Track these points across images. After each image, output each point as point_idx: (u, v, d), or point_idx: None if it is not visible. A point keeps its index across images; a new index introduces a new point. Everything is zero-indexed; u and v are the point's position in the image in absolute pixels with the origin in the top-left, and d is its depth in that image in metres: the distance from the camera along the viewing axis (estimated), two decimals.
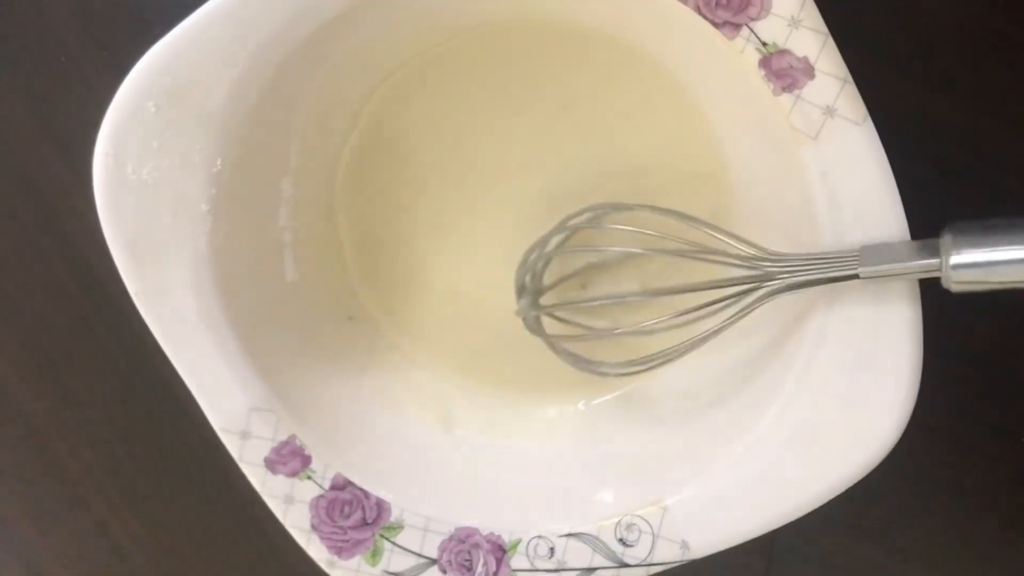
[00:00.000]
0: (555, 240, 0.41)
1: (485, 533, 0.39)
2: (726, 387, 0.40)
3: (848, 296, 0.35)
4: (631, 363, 0.39)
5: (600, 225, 0.40)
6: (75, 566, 0.52)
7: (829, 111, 0.34)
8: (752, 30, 0.34)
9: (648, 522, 0.38)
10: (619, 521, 0.38)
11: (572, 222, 0.40)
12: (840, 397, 0.36)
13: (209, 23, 0.35)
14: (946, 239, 0.32)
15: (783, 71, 0.34)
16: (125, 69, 0.35)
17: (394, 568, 0.39)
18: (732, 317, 0.36)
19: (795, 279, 0.35)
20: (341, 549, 0.39)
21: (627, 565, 0.38)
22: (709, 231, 0.37)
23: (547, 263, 0.42)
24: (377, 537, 0.39)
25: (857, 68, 0.34)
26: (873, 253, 0.34)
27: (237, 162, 0.37)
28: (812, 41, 0.33)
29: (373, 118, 0.42)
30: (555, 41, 0.40)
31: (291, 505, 0.39)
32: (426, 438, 0.42)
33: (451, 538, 0.39)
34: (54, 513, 0.51)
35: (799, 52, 0.33)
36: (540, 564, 0.39)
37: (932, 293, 0.34)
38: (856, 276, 0.34)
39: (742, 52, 0.34)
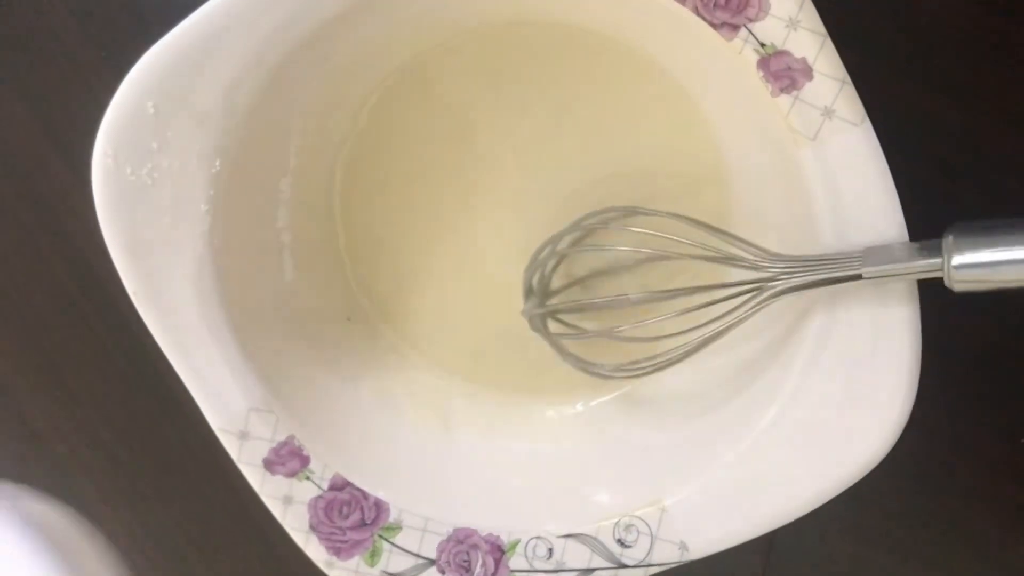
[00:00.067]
0: (568, 238, 0.41)
1: (484, 534, 0.39)
2: (726, 388, 0.40)
3: (848, 297, 0.35)
4: (634, 365, 0.39)
5: (610, 227, 0.40)
6: None
7: (827, 112, 0.34)
8: (750, 31, 0.34)
9: (647, 523, 0.38)
10: (617, 522, 0.38)
11: (586, 222, 0.40)
12: (839, 397, 0.36)
13: (209, 23, 0.35)
14: (948, 239, 0.33)
15: (781, 72, 0.34)
16: (125, 69, 0.35)
17: (393, 569, 0.39)
18: (736, 319, 0.36)
19: (798, 280, 0.35)
20: (340, 550, 0.39)
21: (625, 566, 0.38)
22: (725, 238, 0.37)
23: (558, 262, 0.42)
24: (376, 537, 0.39)
25: (856, 69, 0.34)
26: (875, 254, 0.34)
27: (236, 162, 0.37)
28: (810, 42, 0.33)
29: (373, 118, 0.42)
30: (555, 41, 0.40)
31: (290, 505, 0.39)
32: (425, 438, 0.42)
33: (450, 538, 0.39)
34: None
35: (797, 53, 0.33)
36: (538, 565, 0.39)
37: (932, 293, 0.35)
38: (859, 276, 0.34)
39: (740, 53, 0.34)
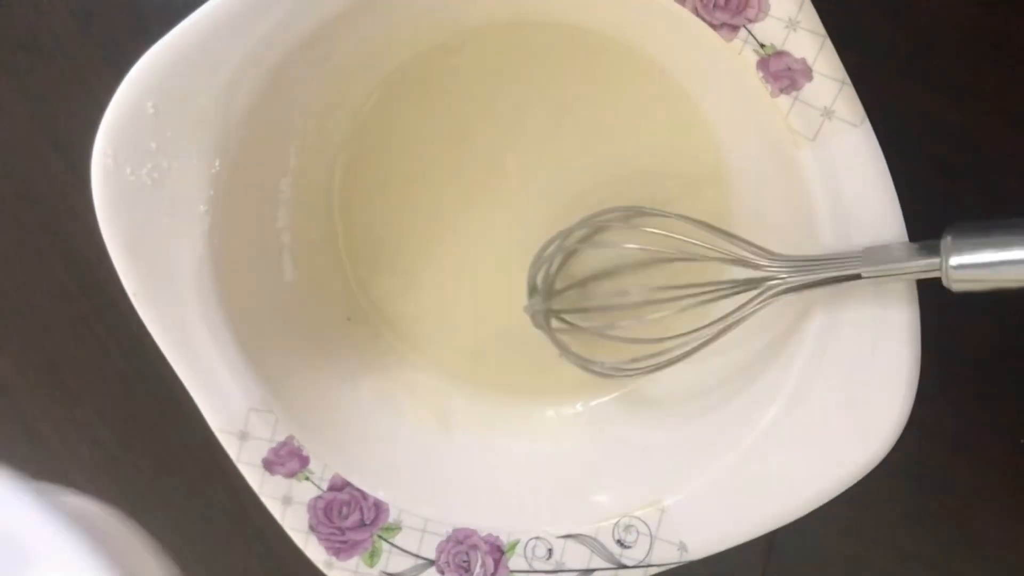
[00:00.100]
0: (575, 235, 0.41)
1: (483, 534, 0.39)
2: (725, 388, 0.40)
3: (847, 298, 0.35)
4: (634, 364, 0.39)
5: (617, 225, 0.40)
6: None
7: (827, 113, 0.34)
8: (750, 32, 0.34)
9: (646, 523, 0.38)
10: (617, 522, 0.38)
11: (594, 220, 0.40)
12: (839, 398, 0.36)
13: (208, 23, 0.35)
14: (947, 240, 0.33)
15: (781, 73, 0.34)
16: (124, 69, 0.35)
17: (392, 569, 0.39)
18: (737, 319, 0.36)
19: (798, 280, 0.35)
20: (339, 550, 0.39)
21: (625, 566, 0.38)
22: (726, 238, 0.37)
23: (564, 259, 0.42)
24: (375, 538, 0.39)
25: (856, 69, 0.34)
26: (875, 254, 0.34)
27: (236, 163, 0.37)
28: (810, 43, 0.33)
29: (373, 118, 0.42)
30: (555, 41, 0.40)
31: (289, 506, 0.39)
32: (424, 439, 0.42)
33: (449, 539, 0.39)
34: None
35: (797, 54, 0.33)
36: (538, 565, 0.39)
37: (932, 294, 0.35)
38: (858, 276, 0.34)
39: (740, 54, 0.34)
